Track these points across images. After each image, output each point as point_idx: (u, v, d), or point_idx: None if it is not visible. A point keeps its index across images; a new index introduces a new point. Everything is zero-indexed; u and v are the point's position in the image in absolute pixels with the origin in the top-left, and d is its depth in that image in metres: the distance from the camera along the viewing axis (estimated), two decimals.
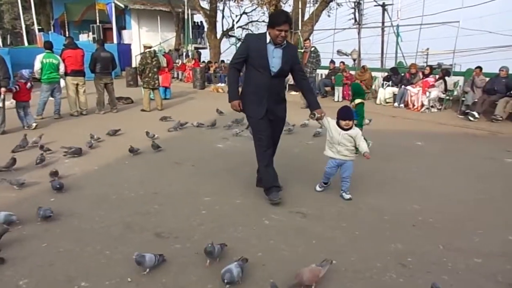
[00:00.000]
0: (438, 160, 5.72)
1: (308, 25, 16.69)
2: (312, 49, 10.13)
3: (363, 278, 2.66)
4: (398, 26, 12.82)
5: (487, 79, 9.15)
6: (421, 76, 10.50)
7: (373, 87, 12.14)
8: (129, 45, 22.56)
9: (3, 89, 6.70)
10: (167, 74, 12.10)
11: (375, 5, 21.72)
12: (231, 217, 3.61)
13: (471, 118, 8.64)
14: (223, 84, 16.02)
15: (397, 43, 12.84)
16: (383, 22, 21.12)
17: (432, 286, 2.35)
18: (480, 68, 9.42)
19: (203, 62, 19.90)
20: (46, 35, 20.09)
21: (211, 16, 21.69)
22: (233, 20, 23.88)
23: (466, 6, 11.70)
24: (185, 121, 7.70)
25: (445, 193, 4.33)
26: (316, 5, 17.80)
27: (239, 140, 6.67)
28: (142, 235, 3.23)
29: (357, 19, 21.51)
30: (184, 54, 21.14)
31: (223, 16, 26.33)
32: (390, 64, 13.78)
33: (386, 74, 11.85)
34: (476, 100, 9.06)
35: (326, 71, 13.07)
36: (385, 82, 11.44)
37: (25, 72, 7.47)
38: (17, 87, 7.18)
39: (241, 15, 25.43)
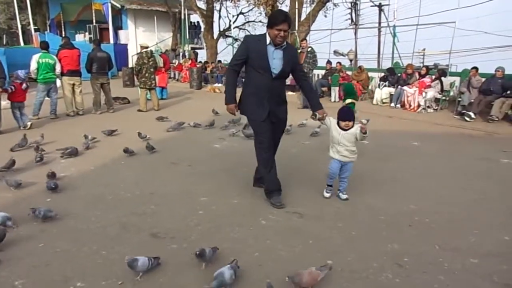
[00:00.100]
0: (434, 161, 5.74)
1: (304, 25, 16.74)
2: (309, 49, 10.13)
3: (360, 278, 2.66)
4: (394, 26, 12.84)
5: (483, 79, 9.19)
6: (417, 77, 10.55)
7: (370, 87, 12.18)
8: (126, 45, 22.55)
9: None
10: (164, 74, 12.08)
11: (371, 6, 21.84)
12: (228, 217, 3.60)
13: (467, 119, 8.68)
14: (220, 84, 16.03)
15: (394, 43, 12.84)
16: (379, 23, 21.19)
17: None
18: (476, 68, 9.46)
19: (200, 62, 19.91)
20: (42, 35, 20.06)
21: (207, 16, 21.68)
22: (230, 20, 23.95)
23: (463, 7, 11.80)
24: (182, 121, 7.68)
25: (442, 193, 4.34)
26: (313, 5, 17.87)
27: (236, 140, 6.67)
28: (139, 235, 3.22)
29: (354, 20, 21.63)
30: (181, 54, 21.14)
31: (219, 16, 26.49)
32: (386, 64, 13.81)
33: (382, 74, 11.86)
34: (472, 100, 9.10)
35: (322, 72, 13.08)
36: (381, 83, 11.45)
37: (21, 73, 7.43)
38: (12, 87, 7.13)
39: (238, 15, 25.52)
